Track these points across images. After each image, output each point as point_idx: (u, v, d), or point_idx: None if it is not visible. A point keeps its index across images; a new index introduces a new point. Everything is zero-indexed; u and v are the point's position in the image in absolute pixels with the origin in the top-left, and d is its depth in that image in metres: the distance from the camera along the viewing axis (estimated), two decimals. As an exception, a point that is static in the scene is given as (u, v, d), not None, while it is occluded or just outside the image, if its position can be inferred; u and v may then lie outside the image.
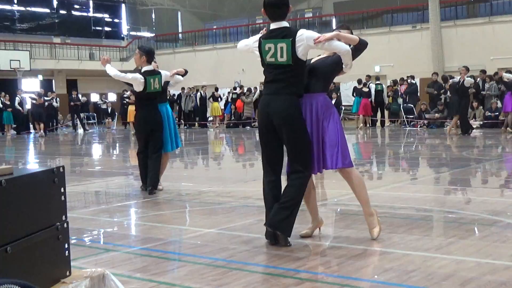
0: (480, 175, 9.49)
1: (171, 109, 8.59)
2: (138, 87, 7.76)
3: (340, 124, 4.96)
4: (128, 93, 22.53)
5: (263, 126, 4.84)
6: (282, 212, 4.68)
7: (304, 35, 4.79)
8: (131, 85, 7.98)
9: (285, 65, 4.75)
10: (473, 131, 17.29)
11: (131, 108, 21.59)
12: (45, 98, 25.28)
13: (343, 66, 4.93)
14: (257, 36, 4.98)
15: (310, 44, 4.78)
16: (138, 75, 7.79)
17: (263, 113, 4.82)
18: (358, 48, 4.97)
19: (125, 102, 23.04)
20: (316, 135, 4.79)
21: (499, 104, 19.34)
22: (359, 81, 22.64)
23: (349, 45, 4.88)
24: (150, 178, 7.83)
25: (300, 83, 4.81)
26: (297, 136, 4.73)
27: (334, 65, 4.94)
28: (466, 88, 16.76)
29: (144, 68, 7.91)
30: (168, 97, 9.35)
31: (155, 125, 7.87)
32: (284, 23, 4.93)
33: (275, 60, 4.78)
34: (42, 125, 24.03)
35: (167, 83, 8.40)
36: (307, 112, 4.80)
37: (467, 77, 16.53)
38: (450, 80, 16.50)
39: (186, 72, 8.68)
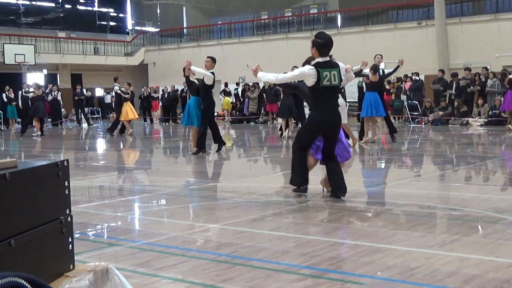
0: (484, 172, 9.47)
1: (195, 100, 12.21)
2: (209, 81, 11.88)
3: None
4: (123, 89, 19.80)
5: (321, 127, 6.71)
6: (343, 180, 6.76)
7: (342, 66, 6.85)
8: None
9: (336, 87, 6.69)
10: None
11: (128, 107, 19.33)
12: (45, 91, 23.34)
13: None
14: (308, 67, 6.64)
15: (343, 72, 6.79)
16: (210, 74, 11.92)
17: (327, 121, 6.65)
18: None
19: (126, 96, 19.74)
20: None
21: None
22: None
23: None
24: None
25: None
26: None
27: None
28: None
29: (210, 70, 11.96)
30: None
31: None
32: (328, 57, 6.72)
33: (330, 83, 6.55)
34: (38, 123, 20.73)
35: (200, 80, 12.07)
36: None
37: None
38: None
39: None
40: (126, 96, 19.64)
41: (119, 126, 19.73)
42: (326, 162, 6.79)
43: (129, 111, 19.46)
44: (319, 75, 6.45)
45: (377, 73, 13.19)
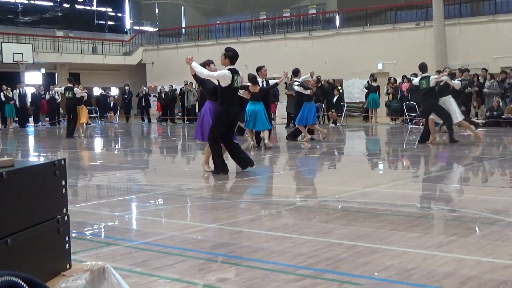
0: (481, 173, 9.47)
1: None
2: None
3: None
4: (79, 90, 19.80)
5: (228, 119, 8.84)
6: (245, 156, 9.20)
7: (241, 74, 9.15)
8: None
9: (238, 88, 9.12)
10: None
11: (83, 110, 19.62)
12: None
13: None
14: (227, 72, 8.72)
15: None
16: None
17: (232, 113, 8.88)
18: None
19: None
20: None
21: (501, 103, 19.40)
22: (374, 78, 23.19)
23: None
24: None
25: None
26: None
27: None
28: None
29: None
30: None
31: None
32: (234, 66, 8.92)
33: (237, 85, 8.90)
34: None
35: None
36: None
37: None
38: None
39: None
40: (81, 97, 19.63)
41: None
42: (228, 145, 8.90)
43: (84, 114, 19.59)
44: (233, 78, 8.67)
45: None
